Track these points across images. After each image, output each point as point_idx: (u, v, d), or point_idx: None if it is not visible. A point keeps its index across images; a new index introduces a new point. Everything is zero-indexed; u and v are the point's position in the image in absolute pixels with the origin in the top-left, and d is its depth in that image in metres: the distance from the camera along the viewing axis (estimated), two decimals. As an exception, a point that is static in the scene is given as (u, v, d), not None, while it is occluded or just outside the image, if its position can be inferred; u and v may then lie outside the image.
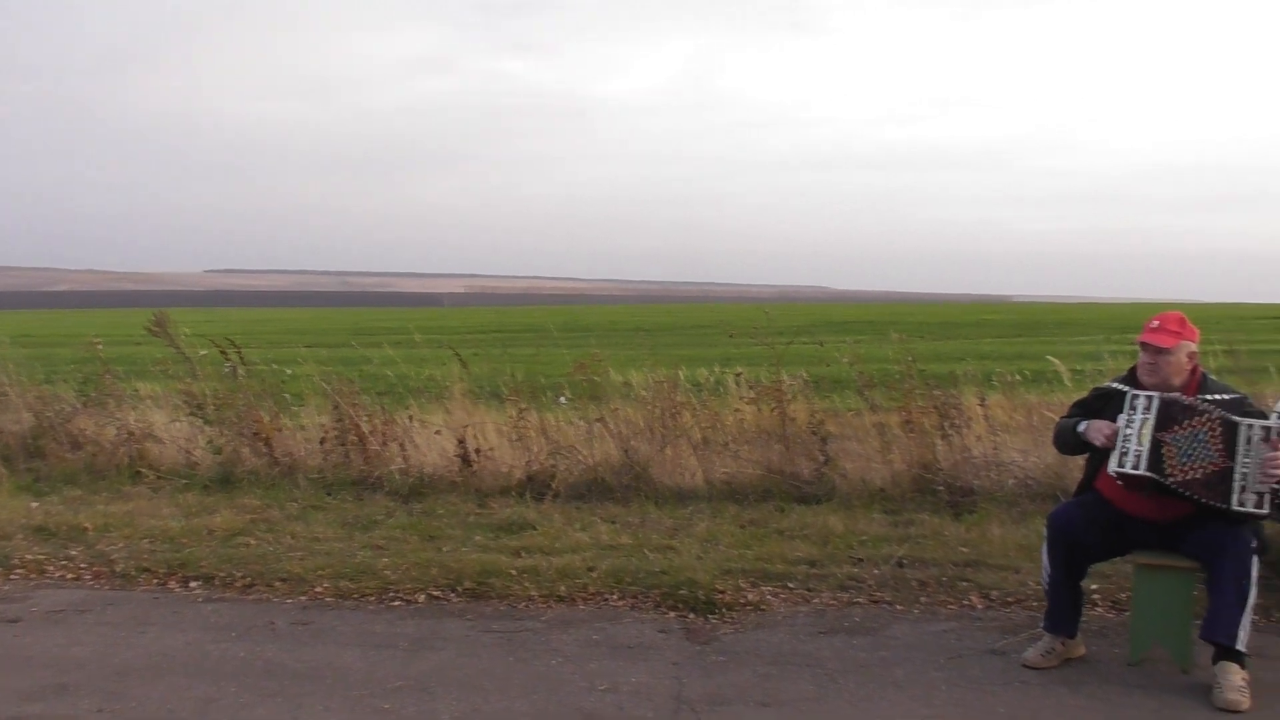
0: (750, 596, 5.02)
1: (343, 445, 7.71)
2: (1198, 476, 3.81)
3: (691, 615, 4.80)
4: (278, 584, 5.26)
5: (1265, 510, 3.74)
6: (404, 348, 14.04)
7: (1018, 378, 9.13)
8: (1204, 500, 3.80)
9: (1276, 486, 3.75)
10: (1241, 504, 3.75)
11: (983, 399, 7.73)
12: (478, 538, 6.02)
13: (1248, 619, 3.77)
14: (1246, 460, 3.77)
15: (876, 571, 5.35)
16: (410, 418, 7.94)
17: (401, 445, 7.62)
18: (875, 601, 5.00)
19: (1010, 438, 7.53)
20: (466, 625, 4.69)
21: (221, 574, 5.40)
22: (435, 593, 5.11)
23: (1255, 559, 3.81)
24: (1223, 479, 3.79)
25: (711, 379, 9.45)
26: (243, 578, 5.35)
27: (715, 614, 4.80)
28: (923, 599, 5.02)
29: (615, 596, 5.06)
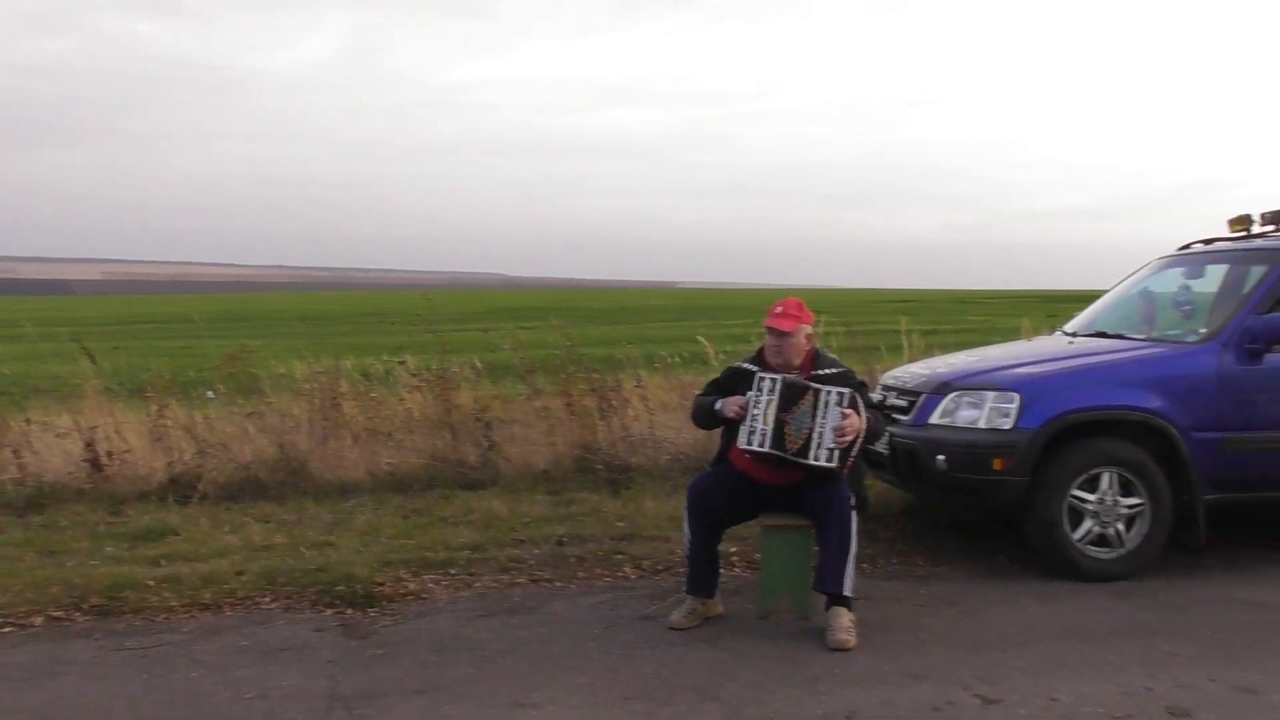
0: (412, 586, 4.98)
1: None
2: (802, 443, 4.24)
3: (350, 611, 4.68)
4: None
5: (834, 465, 4.21)
6: (24, 342, 12.52)
7: (676, 359, 9.69)
8: (796, 459, 4.23)
9: (845, 444, 4.22)
10: (816, 459, 4.21)
11: (639, 380, 8.13)
12: (109, 549, 5.51)
13: (852, 568, 4.25)
14: (824, 422, 4.22)
15: (537, 551, 5.49)
16: (28, 420, 7.11)
17: (16, 452, 6.79)
18: (536, 581, 5.13)
19: (666, 416, 7.98)
20: (94, 646, 4.29)
21: None
22: (56, 613, 4.61)
23: (855, 515, 4.30)
24: (810, 439, 4.24)
25: (380, 369, 9.26)
26: None
27: (375, 607, 4.71)
28: (580, 574, 5.21)
29: (267, 599, 4.84)
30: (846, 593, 4.23)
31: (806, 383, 4.33)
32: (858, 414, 4.25)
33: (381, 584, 4.91)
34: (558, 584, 5.08)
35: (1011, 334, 9.30)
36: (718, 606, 4.55)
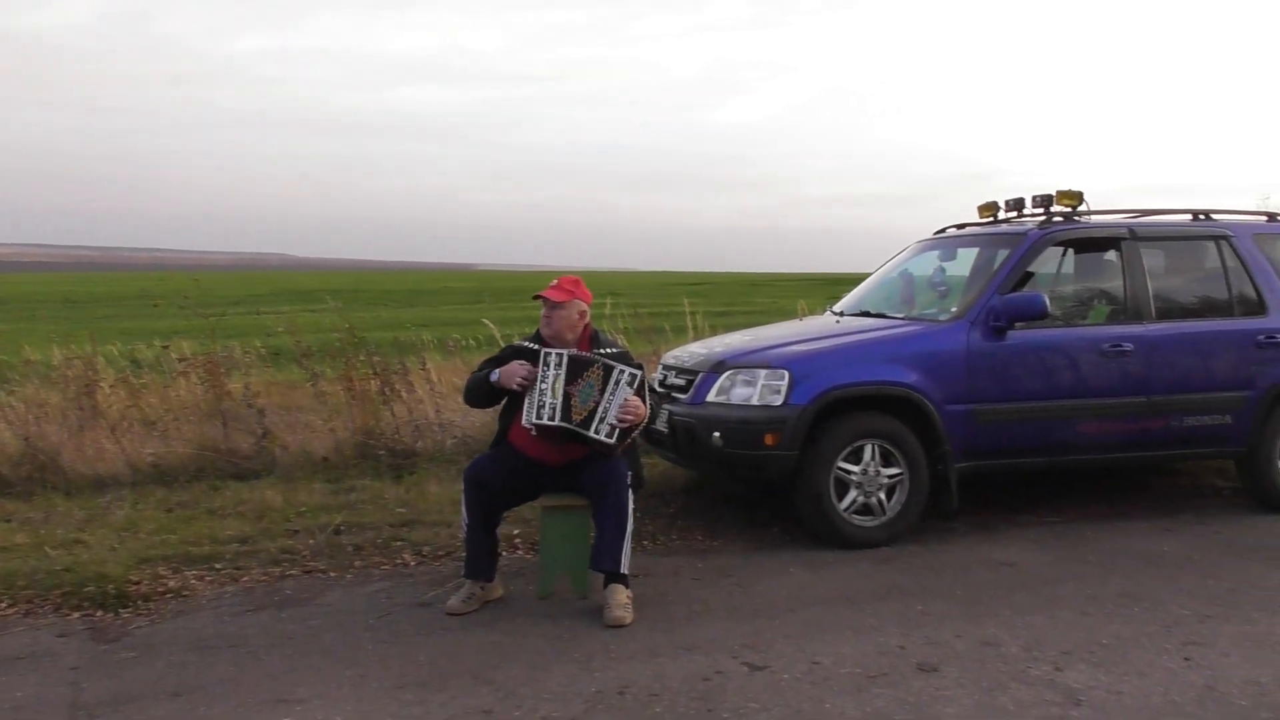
0: (172, 584, 4.69)
1: None
2: (585, 415, 4.27)
3: (100, 613, 4.36)
4: None
5: (614, 442, 4.28)
6: None
7: (471, 342, 9.57)
8: (584, 430, 4.25)
9: (627, 425, 4.29)
10: (597, 432, 4.26)
11: (424, 363, 7.96)
12: None
13: (629, 546, 4.31)
14: (612, 398, 4.28)
15: (312, 542, 5.28)
16: None
17: None
18: (309, 572, 4.94)
19: (454, 400, 7.84)
20: None
21: None
22: None
23: (631, 494, 4.36)
24: (594, 411, 4.27)
25: (149, 354, 8.67)
26: None
27: (129, 608, 4.41)
28: (357, 563, 5.05)
29: (4, 605, 4.43)
30: (623, 570, 4.27)
31: (592, 356, 4.35)
32: (643, 398, 4.32)
33: (137, 583, 4.59)
34: (332, 574, 4.90)
35: (792, 315, 9.68)
36: (497, 590, 4.51)
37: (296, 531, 5.45)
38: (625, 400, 4.25)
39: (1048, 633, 4.06)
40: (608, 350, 4.49)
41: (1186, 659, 3.78)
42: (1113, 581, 4.72)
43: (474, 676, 3.66)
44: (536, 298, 4.50)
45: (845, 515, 5.27)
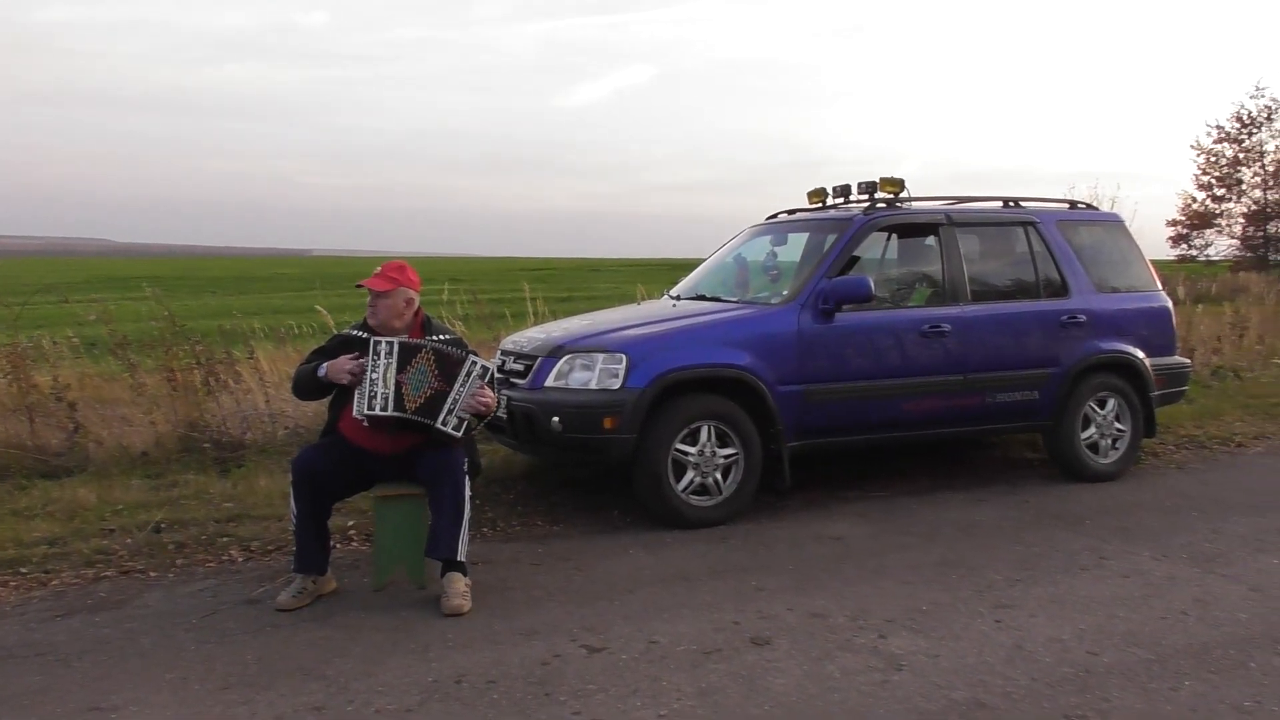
0: (-30, 591, 4.36)
1: None
2: (422, 402, 4.19)
3: (-113, 627, 4.01)
4: None
5: (460, 434, 4.24)
6: None
7: (306, 329, 9.22)
8: (419, 419, 4.18)
9: (476, 416, 4.27)
10: (444, 424, 4.20)
11: (252, 352, 7.65)
12: None
13: (466, 533, 4.25)
14: (462, 389, 4.22)
15: (130, 541, 5.01)
16: None
17: None
18: (126, 573, 4.68)
19: (286, 390, 7.55)
20: None
21: None
22: None
23: (468, 480, 4.31)
24: (437, 401, 4.20)
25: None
26: None
27: (-81, 621, 4.07)
28: (180, 561, 4.82)
29: None
30: (461, 558, 4.22)
31: (423, 342, 4.26)
32: (493, 389, 4.28)
33: (-71, 592, 4.25)
34: (152, 575, 4.66)
35: (632, 299, 9.77)
36: (330, 583, 4.39)
37: (112, 531, 5.16)
38: (476, 392, 4.20)
39: (873, 602, 4.24)
40: (440, 337, 4.41)
41: (998, 621, 4.02)
42: (933, 551, 4.97)
43: (304, 673, 3.55)
44: (359, 286, 4.38)
45: (683, 496, 5.36)
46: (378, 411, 4.16)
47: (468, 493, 4.28)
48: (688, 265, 7.23)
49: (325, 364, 4.29)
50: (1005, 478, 6.58)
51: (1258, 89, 57.53)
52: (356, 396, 4.21)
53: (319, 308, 8.73)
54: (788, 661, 3.63)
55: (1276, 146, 41.24)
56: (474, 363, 4.27)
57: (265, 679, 3.50)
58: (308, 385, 4.35)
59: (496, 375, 5.69)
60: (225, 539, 5.08)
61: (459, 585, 4.17)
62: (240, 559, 4.88)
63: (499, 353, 6.08)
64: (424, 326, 4.44)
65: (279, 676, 3.52)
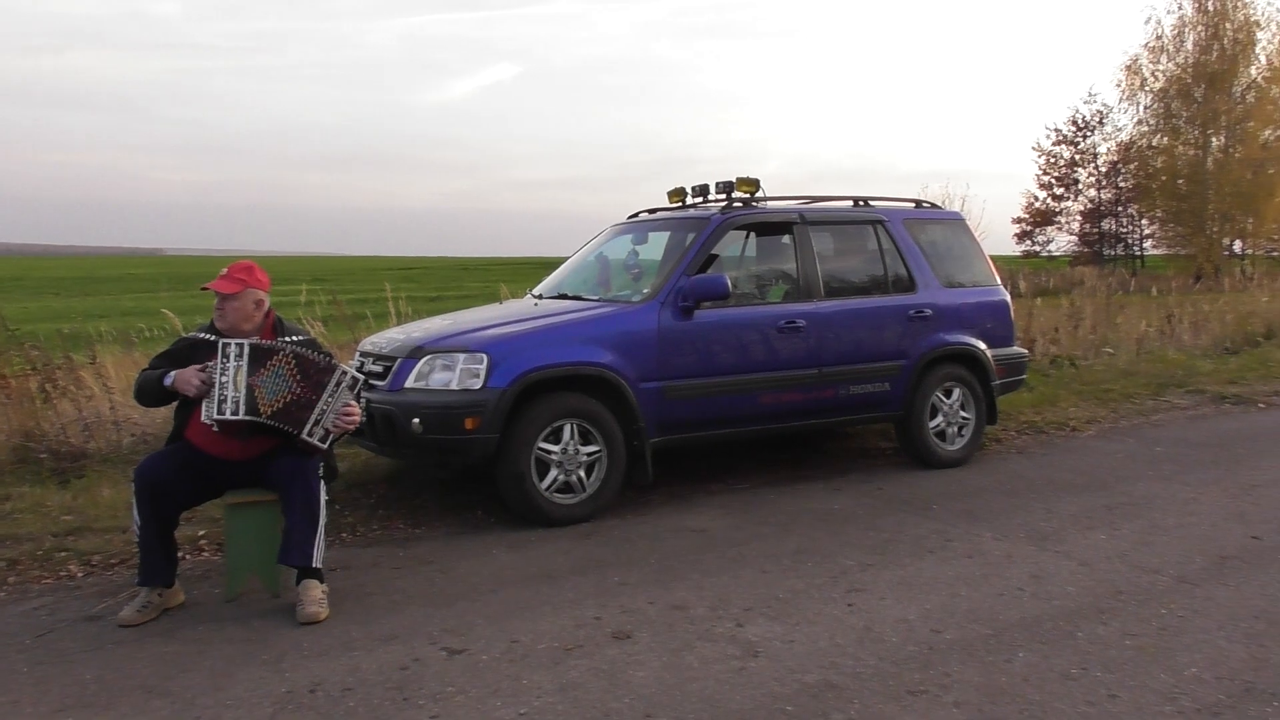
0: None
1: None
2: (280, 407, 4.08)
3: None
4: None
5: (325, 446, 4.16)
6: None
7: (158, 333, 8.83)
8: (282, 426, 4.08)
9: (340, 431, 4.20)
10: (310, 435, 4.11)
11: (94, 357, 7.29)
12: None
13: (322, 539, 4.15)
14: (331, 400, 4.13)
15: (-45, 560, 4.71)
16: None
17: None
18: (-49, 594, 4.40)
19: (132, 395, 7.24)
20: None
21: None
22: None
23: (323, 484, 4.21)
24: (300, 408, 4.10)
25: None
26: None
27: None
28: (12, 579, 4.57)
29: None
30: (316, 565, 4.12)
31: (276, 344, 4.15)
32: (359, 401, 4.21)
33: None
34: (-20, 595, 4.40)
35: (496, 298, 9.71)
36: (178, 596, 4.23)
37: (-64, 550, 4.84)
38: (345, 404, 4.12)
39: (732, 591, 4.34)
40: (294, 338, 4.30)
41: (850, 605, 4.17)
42: (790, 539, 5.12)
43: (148, 690, 3.41)
44: (205, 289, 4.23)
45: (547, 494, 5.36)
46: (228, 416, 4.03)
47: (323, 497, 4.18)
48: (559, 264, 7.23)
49: (172, 373, 4.13)
50: (860, 467, 6.82)
51: (1090, 95, 61.33)
52: (205, 401, 4.07)
53: (165, 311, 8.38)
54: (648, 654, 3.68)
55: (1108, 149, 43.98)
56: (344, 373, 4.19)
57: (105, 699, 3.35)
58: (152, 393, 4.18)
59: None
60: (64, 554, 4.83)
61: (315, 592, 4.08)
62: (80, 574, 4.65)
63: (357, 354, 5.96)
64: (275, 328, 4.32)
65: (120, 695, 3.38)
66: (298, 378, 4.11)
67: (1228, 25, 34.28)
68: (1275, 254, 38.17)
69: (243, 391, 4.05)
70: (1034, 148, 45.80)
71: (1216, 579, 4.43)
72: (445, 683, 3.45)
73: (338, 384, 4.16)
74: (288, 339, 4.26)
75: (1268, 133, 34.33)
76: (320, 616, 4.01)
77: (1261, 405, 9.19)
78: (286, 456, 4.14)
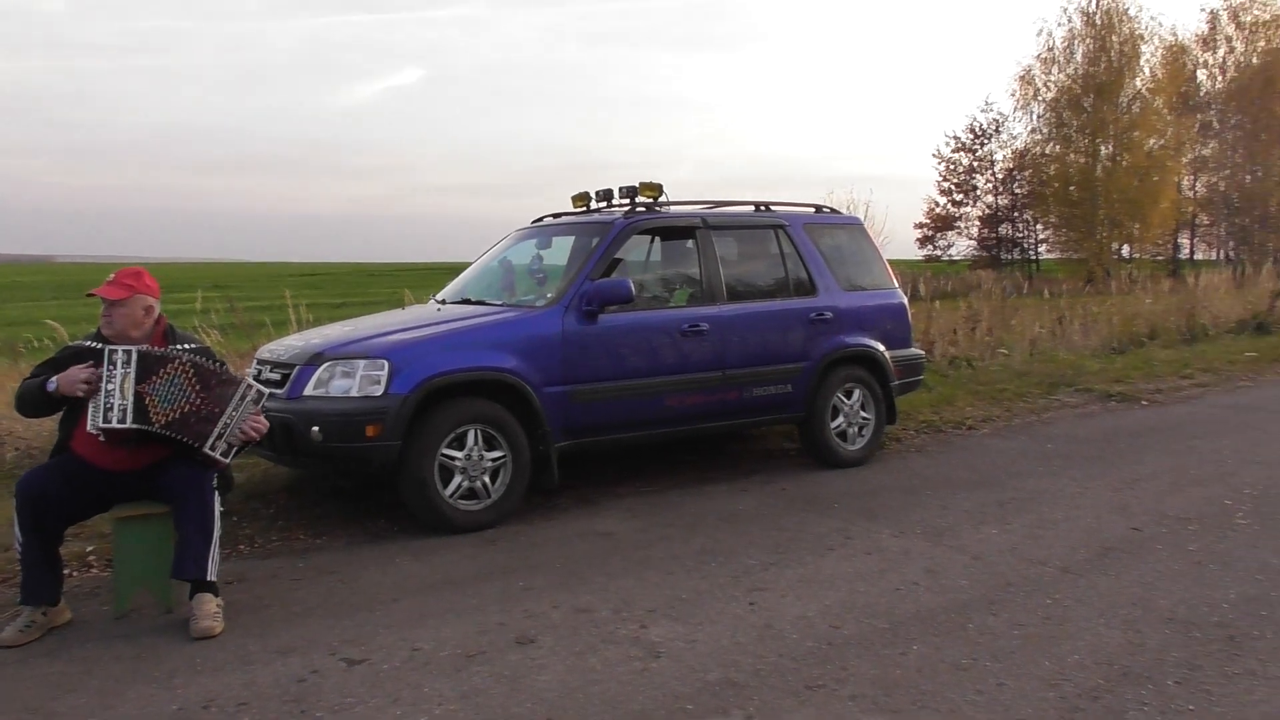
0: None
1: None
2: (177, 417, 3.97)
3: None
4: None
5: (228, 461, 4.08)
6: None
7: (48, 342, 8.50)
8: (182, 438, 3.97)
9: (246, 443, 4.12)
10: (213, 448, 4.01)
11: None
12: None
13: (216, 551, 4.05)
14: (235, 413, 4.03)
15: None
16: None
17: None
18: None
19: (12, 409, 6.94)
20: None
21: None
22: None
23: (217, 495, 4.11)
24: (201, 420, 3.99)
25: None
26: None
27: None
28: (-117, 603, 4.34)
29: None
30: (211, 578, 4.02)
31: (168, 352, 4.04)
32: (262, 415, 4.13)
33: None
34: None
35: (401, 304, 9.59)
36: (64, 614, 4.08)
37: None
38: (250, 418, 4.03)
39: (636, 594, 4.37)
40: (186, 346, 4.20)
41: (751, 604, 4.23)
42: (695, 541, 5.17)
43: (31, 712, 3.28)
44: (90, 295, 4.10)
45: (451, 501, 5.32)
46: (114, 424, 3.91)
47: (218, 508, 4.08)
48: (465, 269, 7.18)
49: (55, 377, 3.99)
50: (765, 468, 6.92)
51: (987, 104, 63.33)
52: (91, 409, 3.94)
53: (50, 321, 8.07)
54: (551, 658, 3.68)
55: (1004, 156, 45.49)
56: (249, 386, 4.10)
57: (-16, 723, 3.23)
58: (34, 401, 4.03)
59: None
60: (-60, 574, 4.62)
61: (209, 606, 3.97)
62: (-46, 595, 4.45)
63: (254, 361, 5.83)
64: (167, 335, 4.21)
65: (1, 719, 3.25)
66: (197, 388, 4.00)
67: (1114, 38, 35.75)
68: (1160, 258, 39.97)
69: (130, 399, 3.93)
70: (934, 154, 47.23)
71: (1099, 569, 4.62)
72: (344, 694, 3.40)
73: (243, 398, 4.07)
74: (180, 347, 4.16)
75: (1152, 142, 35.89)
76: (214, 630, 3.91)
77: (1144, 403, 9.60)
78: (179, 467, 4.04)
